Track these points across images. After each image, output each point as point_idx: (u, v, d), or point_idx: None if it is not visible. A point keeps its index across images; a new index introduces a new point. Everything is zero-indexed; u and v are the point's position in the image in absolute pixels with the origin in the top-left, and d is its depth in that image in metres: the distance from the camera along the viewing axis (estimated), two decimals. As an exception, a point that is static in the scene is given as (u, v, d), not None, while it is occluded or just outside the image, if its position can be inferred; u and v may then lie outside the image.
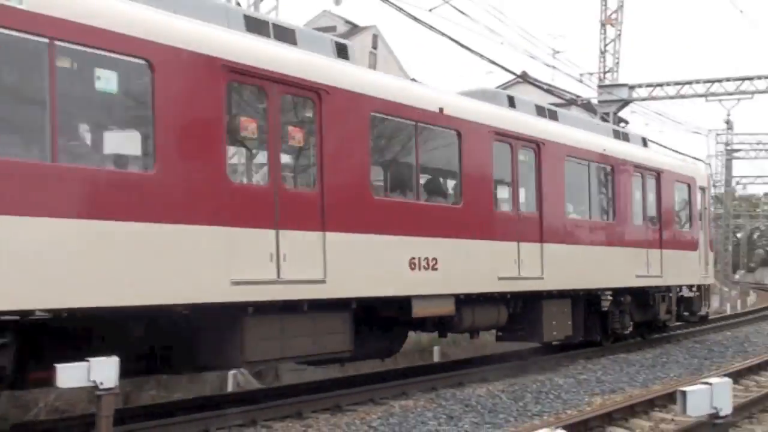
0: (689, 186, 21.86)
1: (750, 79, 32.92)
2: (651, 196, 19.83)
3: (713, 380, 10.31)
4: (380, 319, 12.82)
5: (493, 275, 14.29)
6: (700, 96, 33.82)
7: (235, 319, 10.32)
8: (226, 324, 10.37)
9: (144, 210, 9.14)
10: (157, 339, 10.21)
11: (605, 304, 18.26)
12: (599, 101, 33.80)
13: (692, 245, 21.75)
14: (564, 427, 10.15)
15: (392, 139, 13.15)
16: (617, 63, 33.89)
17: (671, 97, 33.69)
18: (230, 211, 9.93)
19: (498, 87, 25.48)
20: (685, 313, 21.83)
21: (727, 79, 33.18)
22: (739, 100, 35.71)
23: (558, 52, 34.27)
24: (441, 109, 13.45)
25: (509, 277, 14.63)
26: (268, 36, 11.21)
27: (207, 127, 9.85)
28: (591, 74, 33.84)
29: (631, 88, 33.53)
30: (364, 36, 51.33)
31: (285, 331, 10.88)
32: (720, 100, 36.94)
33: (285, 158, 11.27)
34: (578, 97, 38.85)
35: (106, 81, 9.05)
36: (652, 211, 19.84)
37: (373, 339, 13.06)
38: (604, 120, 31.93)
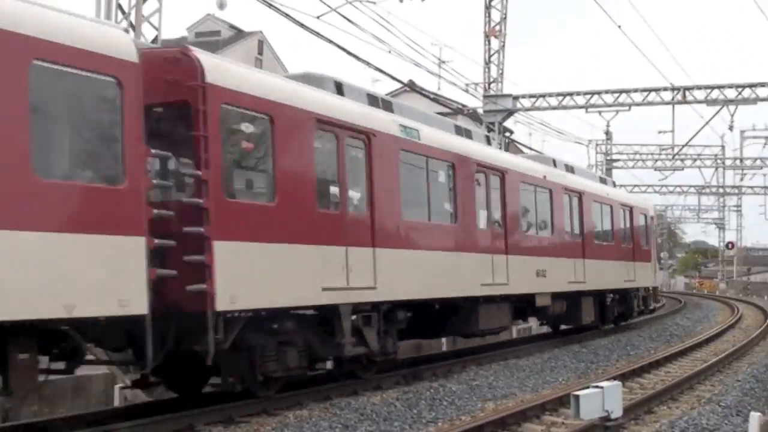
0: (645, 215, 30.46)
1: (627, 91, 33.95)
2: (628, 224, 28.21)
3: (604, 384, 10.64)
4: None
5: (566, 280, 22.17)
6: (581, 107, 34.74)
7: (474, 305, 17.49)
8: (471, 308, 17.45)
9: (450, 244, 16.52)
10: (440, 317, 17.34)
11: (608, 300, 26.32)
12: (485, 111, 34.34)
13: (648, 258, 30.22)
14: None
15: (527, 194, 20.44)
16: (501, 74, 34.47)
17: (553, 108, 34.51)
18: (484, 242, 17.83)
19: (386, 95, 25.61)
20: (642, 307, 29.73)
21: (606, 92, 34.14)
22: (617, 111, 36.83)
23: (444, 61, 34.47)
24: (544, 176, 21.46)
25: (572, 281, 22.53)
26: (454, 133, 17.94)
27: (471, 196, 17.40)
28: (476, 84, 34.36)
29: (515, 98, 34.21)
30: (250, 41, 50.80)
31: (490, 312, 18.09)
32: (599, 112, 38.10)
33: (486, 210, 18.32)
34: (464, 106, 39.39)
35: (442, 175, 16.69)
36: (629, 234, 28.25)
37: None
38: (490, 129, 32.51)
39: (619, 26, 30.24)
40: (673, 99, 33.43)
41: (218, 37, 49.54)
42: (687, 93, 33.23)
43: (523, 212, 20.37)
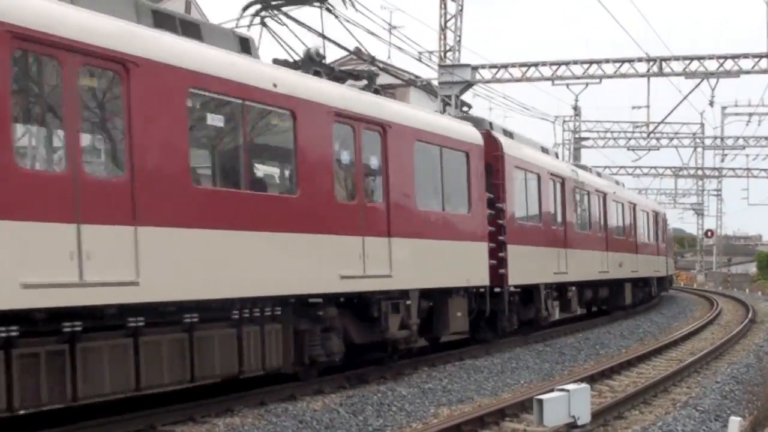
0: (665, 220, 47.91)
1: (598, 62, 34.13)
2: (653, 226, 42.67)
3: (570, 386, 10.74)
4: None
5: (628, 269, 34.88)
6: (546, 79, 34.87)
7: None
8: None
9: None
10: None
11: (640, 285, 39.09)
12: (440, 83, 34.36)
13: (664, 253, 45.80)
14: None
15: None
16: (459, 41, 34.52)
17: (517, 80, 34.62)
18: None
19: (330, 63, 25.43)
20: (661, 289, 46.09)
21: (575, 62, 34.30)
22: (587, 84, 37.13)
23: (395, 27, 34.38)
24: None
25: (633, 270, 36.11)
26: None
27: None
28: (431, 53, 34.34)
29: (474, 69, 34.25)
30: (176, 1, 50.31)
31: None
32: (567, 85, 38.38)
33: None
34: (417, 77, 39.42)
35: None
36: (654, 235, 43.11)
37: None
38: (446, 103, 32.58)
39: (590, -11, 30.44)
40: (648, 71, 33.76)
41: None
42: (664, 64, 33.57)
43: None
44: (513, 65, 34.30)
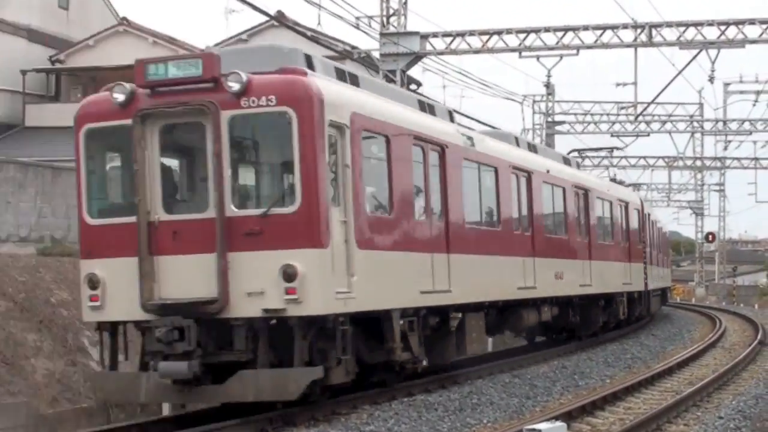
0: (666, 233, 60.26)
1: (575, 29, 34.32)
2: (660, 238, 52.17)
3: (544, 426, 10.79)
4: None
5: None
6: (513, 50, 35.01)
7: None
8: None
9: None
10: None
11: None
12: (382, 54, 34.35)
13: (668, 265, 57.07)
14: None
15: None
16: (405, 4, 34.56)
17: (476, 51, 34.76)
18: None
19: (246, 31, 25.41)
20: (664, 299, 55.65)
21: (546, 29, 34.40)
22: (561, 56, 37.41)
23: (326, -14, 34.39)
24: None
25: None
26: None
27: None
28: (371, 18, 34.32)
29: (424, 37, 34.29)
30: None
31: None
32: (537, 57, 38.62)
33: None
34: (354, 48, 39.45)
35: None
36: (659, 248, 49.71)
37: None
38: (390, 79, 32.61)
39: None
40: (635, 40, 34.09)
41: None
42: (654, 32, 33.89)
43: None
44: (472, 33, 34.45)
